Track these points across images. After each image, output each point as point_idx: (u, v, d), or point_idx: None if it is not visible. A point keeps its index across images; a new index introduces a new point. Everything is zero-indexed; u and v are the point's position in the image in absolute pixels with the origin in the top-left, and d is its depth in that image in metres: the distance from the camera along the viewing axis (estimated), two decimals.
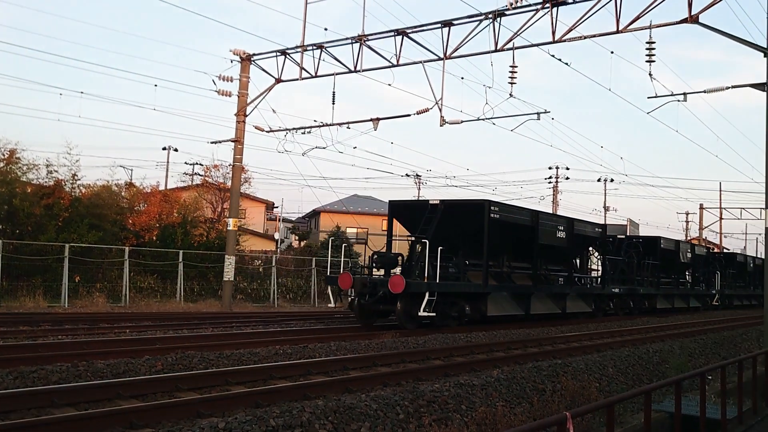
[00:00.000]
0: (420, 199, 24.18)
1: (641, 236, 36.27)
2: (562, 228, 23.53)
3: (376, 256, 19.20)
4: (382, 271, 19.42)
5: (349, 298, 19.55)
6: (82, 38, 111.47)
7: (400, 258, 19.61)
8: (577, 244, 24.77)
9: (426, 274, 17.83)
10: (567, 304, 23.92)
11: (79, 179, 28.58)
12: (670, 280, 33.86)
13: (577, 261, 26.31)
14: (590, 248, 27.56)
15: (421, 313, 17.42)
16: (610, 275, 27.42)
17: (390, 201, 23.10)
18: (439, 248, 17.87)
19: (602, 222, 65.06)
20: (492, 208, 20.07)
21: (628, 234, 43.24)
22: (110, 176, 42.51)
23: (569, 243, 23.84)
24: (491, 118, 20.93)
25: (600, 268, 28.10)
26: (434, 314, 17.79)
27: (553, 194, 57.16)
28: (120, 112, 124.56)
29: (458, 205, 20.70)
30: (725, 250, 47.63)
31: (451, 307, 19.07)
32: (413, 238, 19.66)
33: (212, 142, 27.91)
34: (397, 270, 19.27)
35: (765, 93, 15.64)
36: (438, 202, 20.46)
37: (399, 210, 22.57)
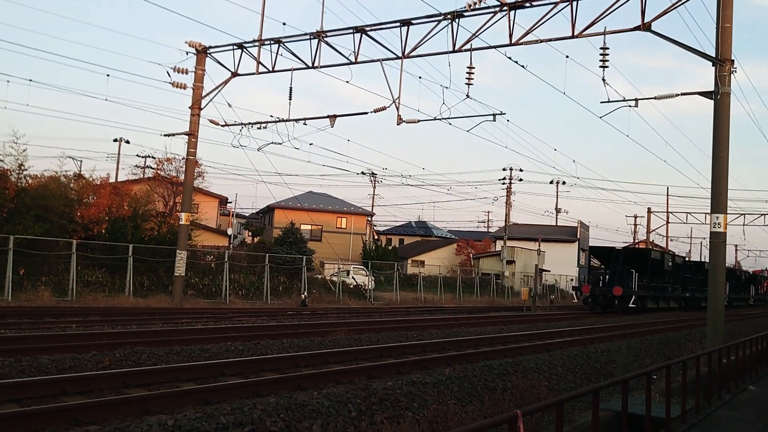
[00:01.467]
0: (608, 246, 42.38)
1: (694, 261, 53.73)
2: (671, 260, 40.91)
3: (591, 276, 38.07)
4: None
5: (582, 297, 37.68)
6: (32, 24, 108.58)
7: (601, 275, 37.06)
8: (675, 268, 41.47)
9: (632, 286, 34.25)
10: (670, 303, 40.41)
11: (26, 169, 27.81)
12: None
13: (673, 277, 41.72)
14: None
15: (631, 306, 33.61)
16: (685, 286, 42.82)
17: (590, 246, 47.57)
18: (636, 273, 34.41)
19: (553, 224, 66.39)
20: (652, 252, 38.51)
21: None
22: (59, 167, 41.22)
23: (673, 268, 40.65)
24: (448, 118, 21.07)
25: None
26: (635, 306, 33.77)
27: (507, 195, 57.85)
28: (70, 101, 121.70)
29: (632, 251, 40.50)
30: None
31: (637, 302, 34.38)
32: (622, 267, 34.87)
33: (165, 135, 27.49)
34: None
35: (713, 101, 16.07)
36: (621, 248, 38.71)
37: (596, 251, 40.98)
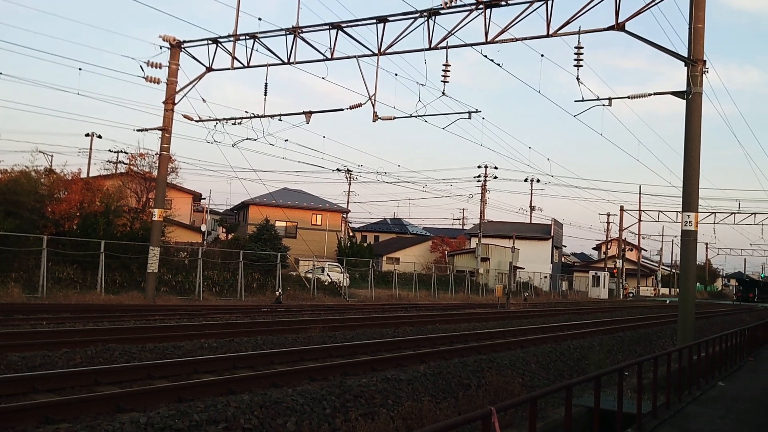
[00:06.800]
0: (746, 279, 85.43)
1: None
2: (764, 283, 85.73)
3: (738, 289, 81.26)
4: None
5: (736, 298, 77.31)
6: (2, 16, 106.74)
7: (741, 290, 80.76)
8: (763, 285, 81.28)
9: (755, 294, 77.33)
10: (765, 301, 73.46)
11: None
12: None
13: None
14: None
15: (755, 301, 72.96)
16: None
17: (737, 279, 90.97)
18: (756, 288, 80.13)
19: (528, 221, 66.57)
20: (759, 281, 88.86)
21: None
22: (30, 162, 40.61)
23: (763, 285, 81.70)
24: (424, 115, 21.12)
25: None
26: (755, 301, 73.13)
27: (482, 193, 58.15)
28: (41, 95, 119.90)
29: (752, 280, 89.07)
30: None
31: (755, 299, 75.01)
32: (748, 286, 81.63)
33: (138, 130, 27.17)
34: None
35: (685, 101, 16.27)
36: (749, 279, 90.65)
37: (740, 282, 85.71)
